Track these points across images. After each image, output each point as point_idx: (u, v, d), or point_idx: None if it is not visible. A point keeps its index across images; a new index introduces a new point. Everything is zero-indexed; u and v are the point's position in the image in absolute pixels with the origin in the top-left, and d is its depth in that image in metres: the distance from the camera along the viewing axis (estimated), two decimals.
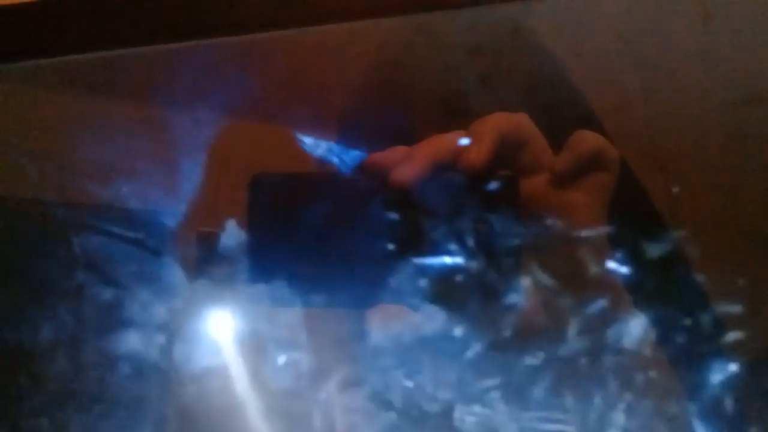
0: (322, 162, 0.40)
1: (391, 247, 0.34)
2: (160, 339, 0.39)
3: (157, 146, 0.42)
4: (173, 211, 0.41)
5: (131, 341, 0.39)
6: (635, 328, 0.34)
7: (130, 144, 0.42)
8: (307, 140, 0.40)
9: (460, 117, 0.36)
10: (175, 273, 0.39)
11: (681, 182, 0.39)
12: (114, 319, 0.39)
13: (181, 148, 0.42)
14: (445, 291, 0.34)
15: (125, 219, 0.40)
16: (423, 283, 0.34)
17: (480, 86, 0.40)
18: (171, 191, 0.41)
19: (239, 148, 0.43)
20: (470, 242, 0.34)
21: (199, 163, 0.41)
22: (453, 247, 0.34)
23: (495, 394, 0.34)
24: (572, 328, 0.33)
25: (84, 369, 0.41)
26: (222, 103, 0.41)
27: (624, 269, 0.34)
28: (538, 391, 0.34)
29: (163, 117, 0.42)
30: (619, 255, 0.34)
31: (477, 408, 0.35)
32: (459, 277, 0.34)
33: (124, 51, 0.41)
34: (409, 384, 0.35)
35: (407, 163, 0.33)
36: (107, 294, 0.39)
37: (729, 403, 0.34)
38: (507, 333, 0.34)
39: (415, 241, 0.34)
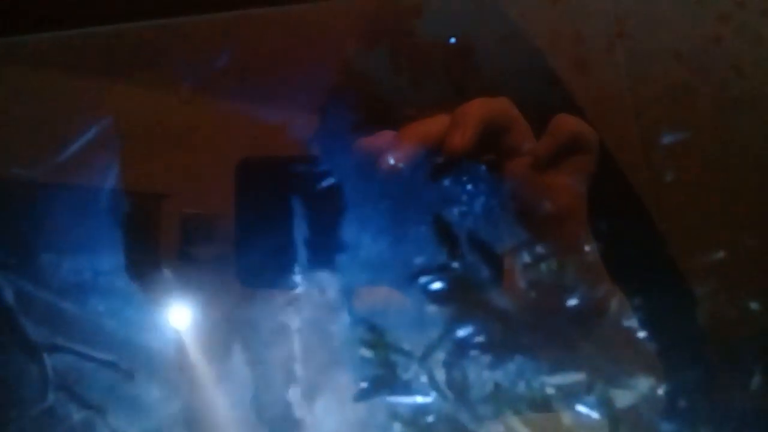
0: (310, 145, 0.41)
1: (375, 230, 0.35)
2: None
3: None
4: None
5: None
6: (613, 305, 0.35)
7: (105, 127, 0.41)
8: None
9: (444, 99, 0.37)
10: (147, 395, 0.39)
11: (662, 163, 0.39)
12: None
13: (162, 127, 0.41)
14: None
15: (99, 339, 0.40)
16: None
17: (463, 68, 0.40)
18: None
19: (225, 129, 0.43)
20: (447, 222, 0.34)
21: (183, 145, 0.41)
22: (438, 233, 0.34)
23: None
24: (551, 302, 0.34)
25: None
26: (205, 82, 0.41)
27: (603, 249, 0.35)
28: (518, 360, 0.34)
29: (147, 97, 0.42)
30: (598, 235, 0.35)
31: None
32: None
33: (106, 28, 0.41)
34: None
35: (394, 150, 0.34)
36: (78, 416, 0.39)
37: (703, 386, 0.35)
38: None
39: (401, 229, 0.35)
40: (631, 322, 0.35)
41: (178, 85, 0.43)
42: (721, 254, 0.36)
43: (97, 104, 0.43)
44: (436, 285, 0.34)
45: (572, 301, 0.34)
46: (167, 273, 0.42)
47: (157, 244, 0.43)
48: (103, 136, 0.41)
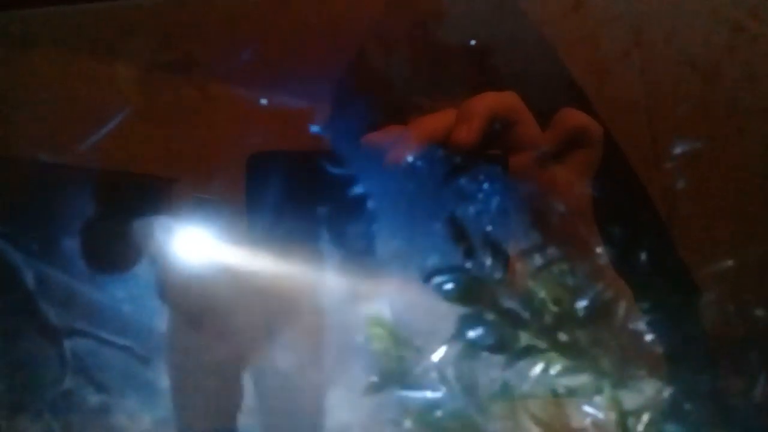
0: (319, 138, 0.41)
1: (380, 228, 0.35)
2: None
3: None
4: None
5: None
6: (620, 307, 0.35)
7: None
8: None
9: (452, 92, 0.37)
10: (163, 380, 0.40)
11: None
12: (101, 427, 0.39)
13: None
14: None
15: (116, 325, 0.41)
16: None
17: (474, 61, 0.40)
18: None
19: (239, 115, 0.43)
20: (461, 221, 0.35)
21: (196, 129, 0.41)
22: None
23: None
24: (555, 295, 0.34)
25: None
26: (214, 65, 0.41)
27: (614, 252, 0.35)
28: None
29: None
30: (603, 228, 0.35)
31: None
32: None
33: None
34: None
35: (401, 144, 0.34)
36: (95, 399, 0.40)
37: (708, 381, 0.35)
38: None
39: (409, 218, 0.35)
40: (639, 325, 0.36)
41: (193, 70, 0.43)
42: (730, 260, 0.37)
43: (110, 89, 0.43)
44: (449, 284, 0.34)
45: (581, 302, 0.34)
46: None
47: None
48: (121, 121, 0.42)
